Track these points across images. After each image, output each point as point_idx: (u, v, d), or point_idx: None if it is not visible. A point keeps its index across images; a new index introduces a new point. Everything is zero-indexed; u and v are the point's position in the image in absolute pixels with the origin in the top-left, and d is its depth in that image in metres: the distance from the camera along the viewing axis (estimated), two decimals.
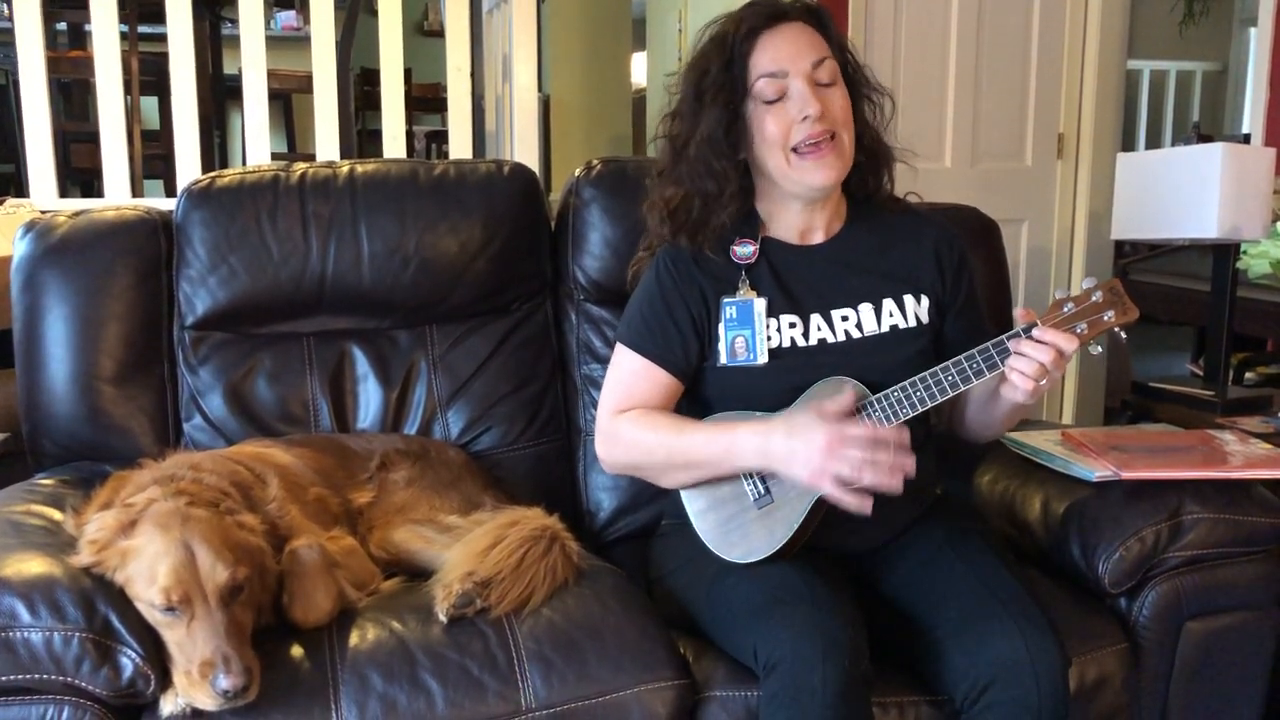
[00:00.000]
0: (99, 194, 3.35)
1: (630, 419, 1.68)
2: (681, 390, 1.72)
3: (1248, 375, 3.20)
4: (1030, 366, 1.51)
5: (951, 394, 1.56)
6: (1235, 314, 2.70)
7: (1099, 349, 1.57)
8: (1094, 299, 1.55)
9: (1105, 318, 1.54)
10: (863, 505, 1.48)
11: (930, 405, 1.57)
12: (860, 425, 1.50)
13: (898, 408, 1.57)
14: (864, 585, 1.67)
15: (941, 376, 1.56)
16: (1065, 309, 1.55)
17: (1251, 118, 3.56)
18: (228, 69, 4.81)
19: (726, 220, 1.69)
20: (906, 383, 1.57)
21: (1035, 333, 1.52)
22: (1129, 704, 1.71)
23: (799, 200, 1.70)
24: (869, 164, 1.75)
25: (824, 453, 1.48)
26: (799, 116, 1.61)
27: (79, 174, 4.68)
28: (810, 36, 1.64)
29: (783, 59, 1.62)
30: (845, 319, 1.70)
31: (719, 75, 1.64)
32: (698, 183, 1.68)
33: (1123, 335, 1.57)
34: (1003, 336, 1.55)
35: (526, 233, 2.14)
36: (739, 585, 1.57)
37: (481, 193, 2.11)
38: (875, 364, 1.64)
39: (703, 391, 1.72)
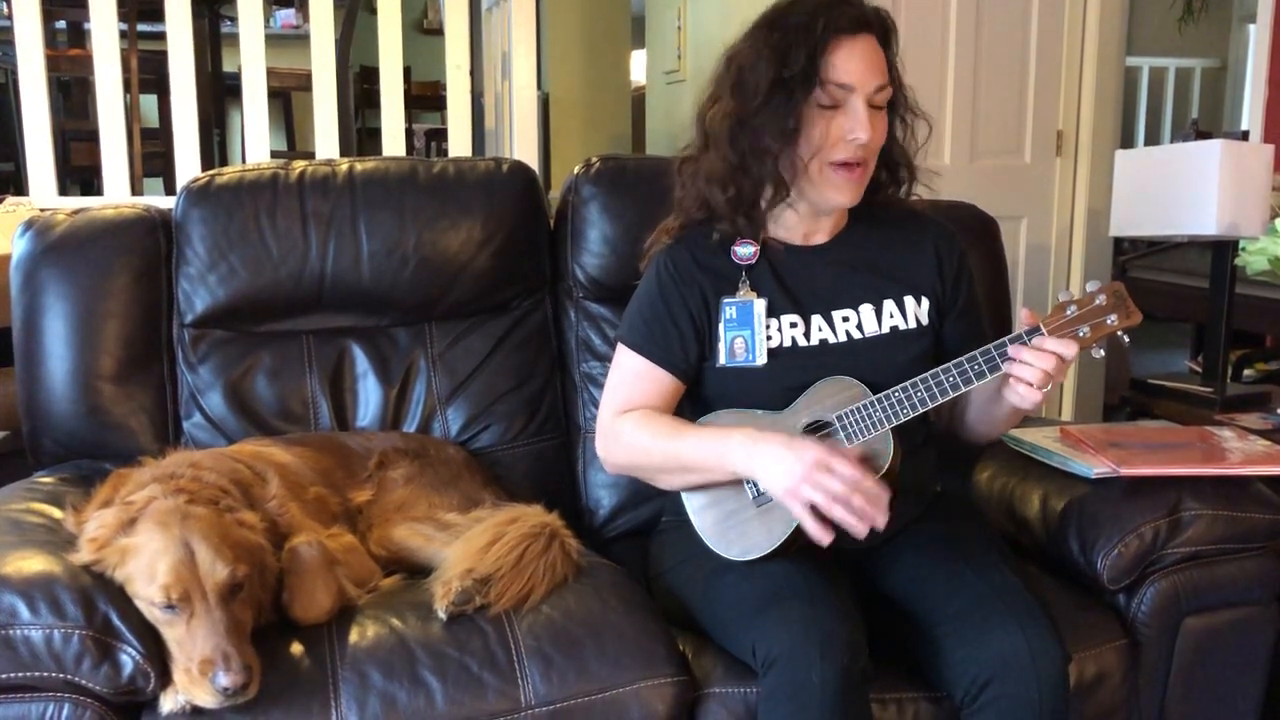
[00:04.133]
0: (98, 192, 3.35)
1: (631, 421, 1.68)
2: (682, 390, 1.72)
3: (1246, 372, 3.21)
4: (1034, 374, 1.51)
5: (952, 395, 1.56)
6: (1234, 311, 2.70)
7: (1101, 352, 1.57)
8: (1097, 302, 1.55)
9: (1109, 321, 1.54)
10: (823, 536, 1.48)
11: (931, 406, 1.56)
12: (850, 463, 1.48)
13: (898, 408, 1.56)
14: (863, 582, 1.67)
15: (943, 378, 1.56)
16: (1069, 311, 1.55)
17: (1250, 114, 3.57)
18: (227, 67, 4.80)
19: (765, 207, 1.68)
20: (908, 383, 1.57)
21: (1036, 341, 1.52)
22: (1128, 700, 1.71)
23: (813, 207, 1.70)
24: (890, 178, 1.75)
25: (806, 471, 1.47)
26: (848, 135, 1.59)
27: (78, 172, 4.67)
28: (879, 57, 1.63)
29: (854, 74, 1.59)
30: (846, 319, 1.70)
31: (805, 68, 1.58)
32: (757, 165, 1.64)
33: (1125, 339, 1.57)
34: (1005, 339, 1.55)
35: (526, 230, 2.14)
36: (738, 582, 1.57)
37: (481, 191, 2.11)
38: (875, 365, 1.64)
39: (703, 391, 1.72)
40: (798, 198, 1.69)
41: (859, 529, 1.46)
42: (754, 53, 1.63)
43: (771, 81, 1.60)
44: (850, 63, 1.59)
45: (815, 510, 1.48)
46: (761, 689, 1.46)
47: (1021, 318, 1.56)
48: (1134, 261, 3.95)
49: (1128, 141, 6.26)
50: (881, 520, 1.47)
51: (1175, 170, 2.56)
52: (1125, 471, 1.75)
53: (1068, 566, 1.77)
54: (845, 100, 1.60)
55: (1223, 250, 2.65)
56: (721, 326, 1.69)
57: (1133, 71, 6.62)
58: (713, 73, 1.71)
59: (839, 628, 1.44)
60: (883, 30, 1.65)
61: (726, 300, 1.69)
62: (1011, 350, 1.53)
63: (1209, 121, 6.91)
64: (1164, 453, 1.82)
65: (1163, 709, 1.76)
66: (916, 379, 1.57)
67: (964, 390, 1.56)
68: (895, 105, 1.70)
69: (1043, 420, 2.21)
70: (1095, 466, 1.78)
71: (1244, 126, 3.94)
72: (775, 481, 1.51)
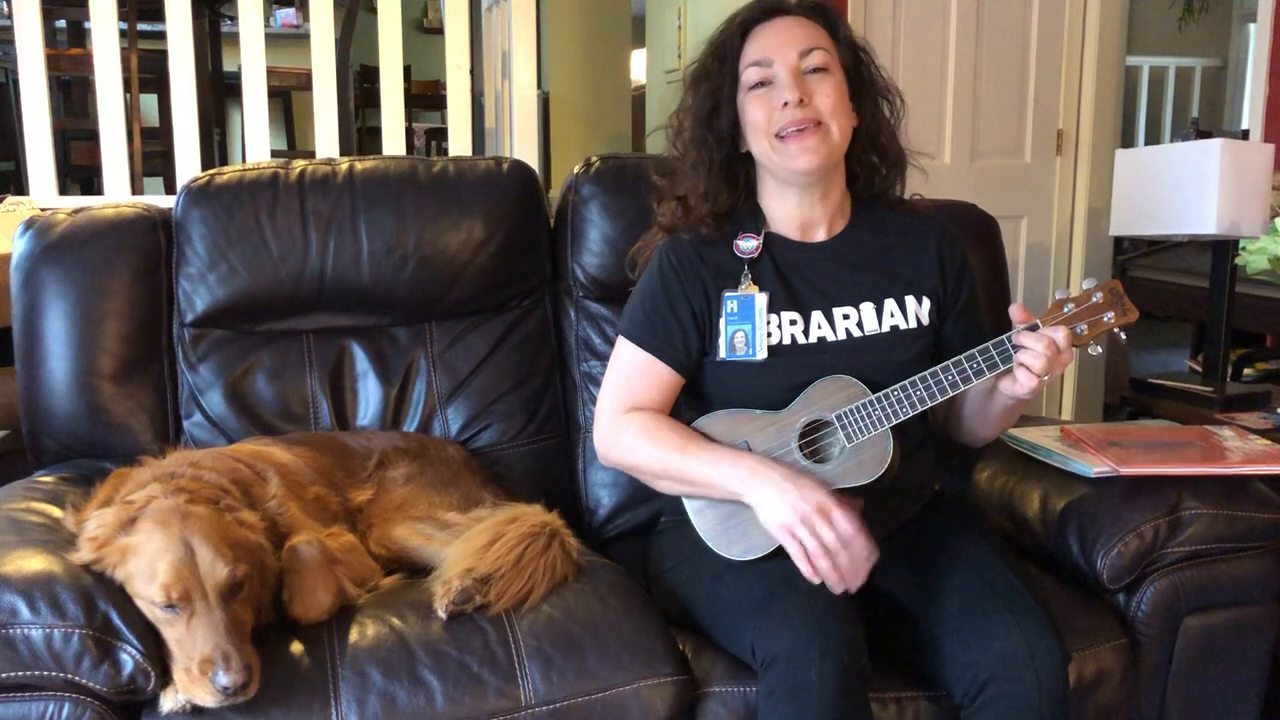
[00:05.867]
0: (98, 191, 3.35)
1: (633, 426, 1.67)
2: (682, 384, 1.72)
3: (1246, 371, 3.20)
4: (1037, 361, 1.52)
5: (951, 394, 1.56)
6: (1234, 310, 2.70)
7: (1099, 349, 1.57)
8: (1094, 300, 1.55)
9: (1105, 318, 1.55)
10: (811, 575, 1.48)
11: (929, 405, 1.57)
12: (850, 521, 1.49)
13: (898, 407, 1.57)
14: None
15: (941, 376, 1.56)
16: (1065, 309, 1.55)
17: (1250, 113, 3.56)
18: (227, 66, 4.81)
19: (717, 211, 1.72)
20: (906, 382, 1.57)
21: (1044, 330, 1.52)
22: (1128, 699, 1.71)
23: (791, 187, 1.70)
24: (879, 164, 1.76)
25: (806, 513, 1.48)
26: (779, 103, 1.63)
27: (79, 171, 4.67)
28: (805, 28, 1.67)
29: (769, 48, 1.65)
30: (846, 317, 1.70)
31: (709, 65, 1.70)
32: (690, 172, 1.73)
33: (1122, 336, 1.57)
34: (1003, 337, 1.55)
35: (526, 230, 2.14)
36: (737, 582, 1.57)
37: (481, 190, 2.11)
38: (875, 364, 1.64)
39: (702, 386, 1.72)
40: (768, 181, 1.72)
41: (837, 587, 1.48)
42: (690, 73, 1.75)
43: (688, 87, 1.73)
44: (765, 40, 1.67)
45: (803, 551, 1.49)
46: (761, 688, 1.46)
47: (1012, 314, 1.56)
48: (1134, 261, 3.95)
49: (1128, 141, 6.26)
50: (856, 585, 1.49)
51: (1175, 169, 2.56)
52: (1125, 471, 1.75)
53: (1067, 566, 1.77)
54: (771, 76, 1.65)
55: (1223, 250, 2.65)
56: (722, 321, 1.69)
57: (1133, 71, 6.62)
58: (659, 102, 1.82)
59: (838, 626, 1.44)
60: (811, 11, 1.69)
61: (728, 294, 1.69)
62: (1014, 338, 1.53)
63: (1209, 121, 6.91)
64: (1164, 452, 1.82)
65: (1163, 708, 1.76)
66: (915, 378, 1.57)
67: (963, 389, 1.56)
68: (865, 84, 1.72)
69: (1043, 419, 2.21)
70: (1095, 466, 1.78)
71: (1244, 125, 3.93)
72: (772, 514, 1.51)
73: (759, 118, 1.65)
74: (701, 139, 1.72)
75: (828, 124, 1.64)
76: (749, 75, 1.66)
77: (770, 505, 1.52)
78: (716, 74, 1.70)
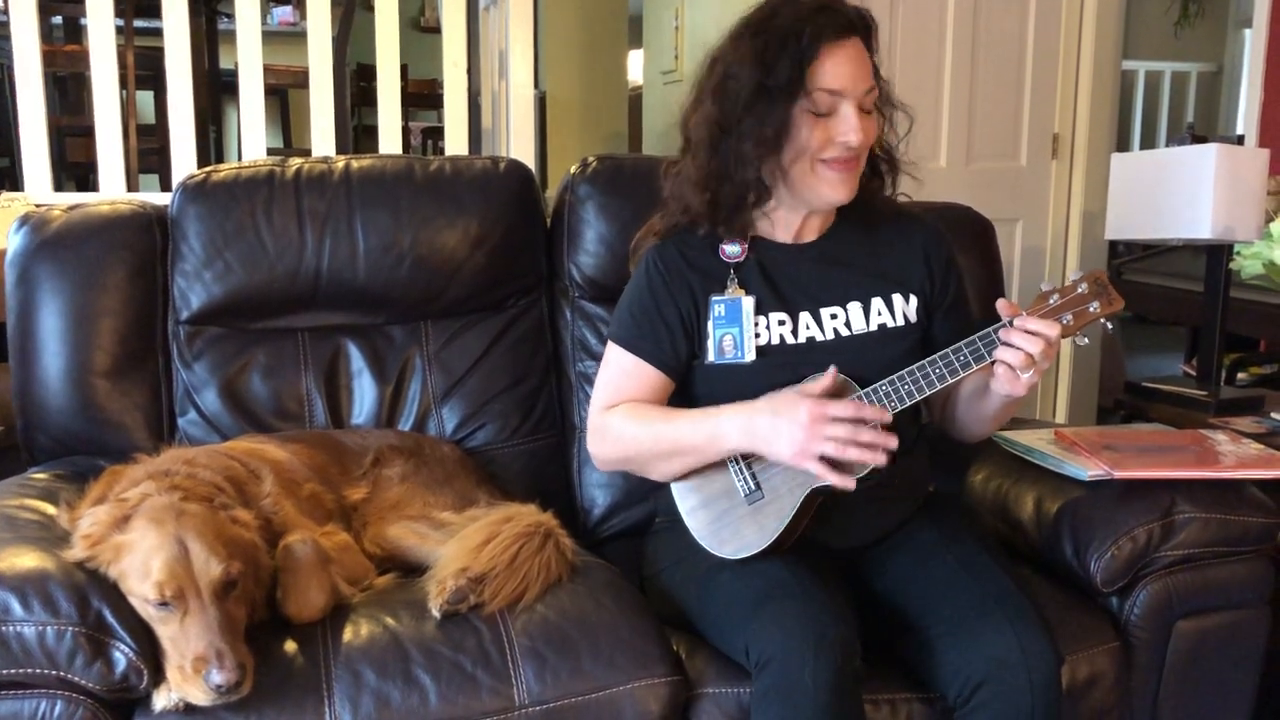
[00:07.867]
0: (94, 188, 3.34)
1: (619, 413, 1.69)
2: (672, 387, 1.72)
3: (1240, 375, 3.21)
4: (1016, 357, 1.52)
5: (940, 386, 1.57)
6: (1228, 314, 2.71)
7: (1086, 340, 1.58)
8: (1079, 290, 1.56)
9: (1091, 308, 1.55)
10: (846, 482, 1.50)
11: (918, 398, 1.57)
12: (843, 403, 1.52)
13: (885, 402, 1.57)
14: (856, 582, 1.67)
15: (929, 369, 1.57)
16: (1051, 300, 1.56)
17: (1246, 118, 3.58)
18: (224, 64, 4.79)
19: (750, 216, 1.69)
20: (895, 376, 1.58)
21: (1018, 321, 1.53)
22: (1120, 702, 1.72)
23: (806, 206, 1.70)
24: (872, 172, 1.75)
25: (808, 429, 1.49)
26: (838, 138, 1.60)
27: (74, 168, 4.66)
28: (865, 59, 1.63)
29: (844, 79, 1.59)
30: (834, 317, 1.70)
31: (790, 76, 1.58)
32: (739, 171, 1.63)
33: (1109, 326, 1.58)
34: (989, 329, 1.56)
35: (522, 229, 2.14)
36: (731, 582, 1.58)
37: (477, 189, 2.11)
38: (863, 362, 1.65)
39: (692, 389, 1.72)
40: (788, 199, 1.69)
41: (878, 459, 1.49)
42: (738, 59, 1.62)
43: (754, 89, 1.60)
44: (839, 68, 1.59)
45: (829, 461, 1.50)
46: (755, 689, 1.47)
47: (1001, 308, 1.56)
48: (1129, 265, 3.96)
49: (1123, 145, 6.28)
50: (893, 441, 1.50)
51: (1170, 174, 2.57)
52: (1119, 474, 1.75)
53: (1061, 569, 1.78)
54: (836, 106, 1.59)
55: (1217, 254, 2.66)
56: (710, 324, 1.69)
57: (1129, 75, 6.64)
58: (695, 75, 1.71)
59: (832, 627, 1.44)
60: (866, 31, 1.65)
61: (715, 298, 1.69)
62: (996, 334, 1.54)
63: (1204, 125, 6.94)
64: (1158, 456, 1.82)
65: (1155, 711, 1.76)
66: (903, 372, 1.57)
67: (951, 381, 1.57)
68: (879, 99, 1.70)
69: (1037, 422, 2.22)
70: (1089, 469, 1.78)
71: (1239, 131, 3.95)
72: (781, 450, 1.52)
73: (813, 142, 1.60)
74: (770, 147, 1.61)
75: (862, 158, 1.65)
76: (819, 100, 1.58)
77: (774, 446, 1.53)
78: (785, 86, 1.58)
